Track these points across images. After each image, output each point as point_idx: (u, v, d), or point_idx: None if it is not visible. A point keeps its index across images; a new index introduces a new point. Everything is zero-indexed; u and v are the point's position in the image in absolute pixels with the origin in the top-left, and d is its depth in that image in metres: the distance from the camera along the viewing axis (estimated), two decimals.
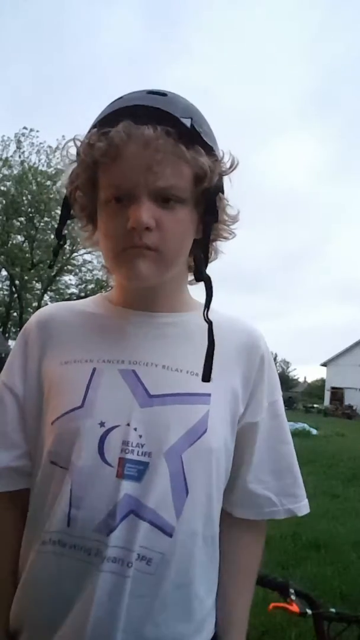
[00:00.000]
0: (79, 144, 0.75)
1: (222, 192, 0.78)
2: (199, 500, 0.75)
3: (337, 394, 37.87)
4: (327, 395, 39.42)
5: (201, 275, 0.78)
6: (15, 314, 25.35)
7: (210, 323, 0.76)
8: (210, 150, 0.74)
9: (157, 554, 0.72)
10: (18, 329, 24.19)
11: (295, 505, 0.86)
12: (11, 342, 25.58)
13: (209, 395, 0.77)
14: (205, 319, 0.75)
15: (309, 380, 65.50)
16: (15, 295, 24.11)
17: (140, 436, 0.73)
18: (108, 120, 0.71)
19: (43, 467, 0.78)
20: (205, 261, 0.79)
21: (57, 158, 21.63)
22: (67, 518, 0.72)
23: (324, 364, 41.79)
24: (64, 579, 0.72)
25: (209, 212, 0.77)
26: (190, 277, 0.86)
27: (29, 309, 24.43)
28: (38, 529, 0.76)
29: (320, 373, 48.86)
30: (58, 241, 0.82)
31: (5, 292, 25.70)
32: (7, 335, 26.36)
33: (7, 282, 24.46)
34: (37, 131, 23.05)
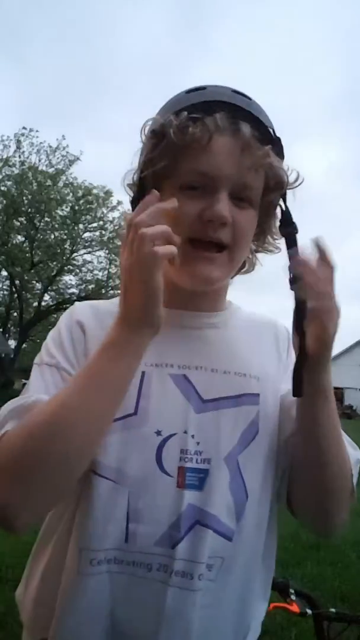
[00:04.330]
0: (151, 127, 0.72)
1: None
2: (257, 501, 0.74)
3: (337, 394, 37.44)
4: None
5: None
6: (15, 314, 25.31)
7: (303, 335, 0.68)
8: (283, 161, 0.74)
9: (217, 559, 0.70)
10: (18, 328, 24.22)
11: None
12: (11, 342, 25.58)
13: (258, 395, 0.76)
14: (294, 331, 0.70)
15: None
16: (15, 295, 24.05)
17: (198, 443, 0.71)
18: (198, 108, 0.69)
19: (85, 479, 0.70)
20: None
21: (57, 158, 21.70)
22: (125, 533, 0.68)
23: None
24: (122, 599, 0.69)
25: (271, 217, 0.77)
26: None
27: (29, 309, 24.42)
28: (83, 550, 0.69)
29: None
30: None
31: (5, 292, 25.64)
32: (7, 335, 26.33)
33: (7, 282, 24.43)
34: (37, 131, 23.09)
